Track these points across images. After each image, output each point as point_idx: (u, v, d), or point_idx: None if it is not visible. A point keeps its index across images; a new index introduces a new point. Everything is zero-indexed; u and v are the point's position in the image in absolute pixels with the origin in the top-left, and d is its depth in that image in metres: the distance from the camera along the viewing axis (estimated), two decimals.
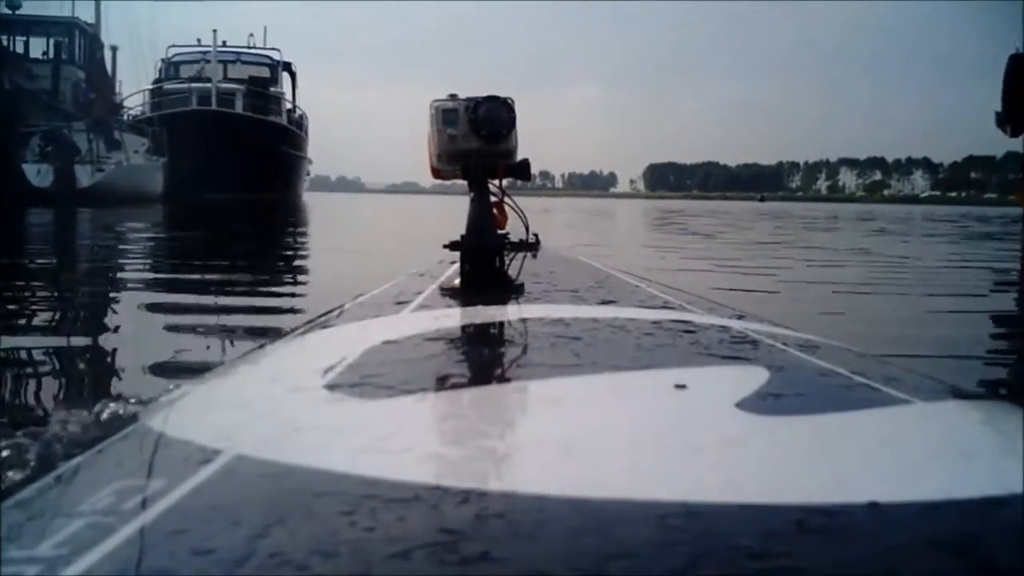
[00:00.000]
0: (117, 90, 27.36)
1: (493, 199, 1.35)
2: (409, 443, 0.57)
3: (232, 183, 25.16)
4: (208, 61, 29.77)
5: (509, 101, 1.30)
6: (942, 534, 0.43)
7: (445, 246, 1.33)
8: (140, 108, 27.90)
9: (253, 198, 24.19)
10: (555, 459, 0.53)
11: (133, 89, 28.88)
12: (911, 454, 0.57)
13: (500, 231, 1.34)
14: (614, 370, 0.78)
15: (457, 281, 1.31)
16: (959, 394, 0.77)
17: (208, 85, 28.45)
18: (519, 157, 1.34)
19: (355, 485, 0.48)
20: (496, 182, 1.36)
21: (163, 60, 32.31)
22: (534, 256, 1.38)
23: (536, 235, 1.37)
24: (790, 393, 0.71)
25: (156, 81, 30.12)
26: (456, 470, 0.52)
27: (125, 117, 25.67)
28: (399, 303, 1.24)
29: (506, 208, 1.37)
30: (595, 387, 0.73)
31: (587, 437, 0.58)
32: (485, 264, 1.31)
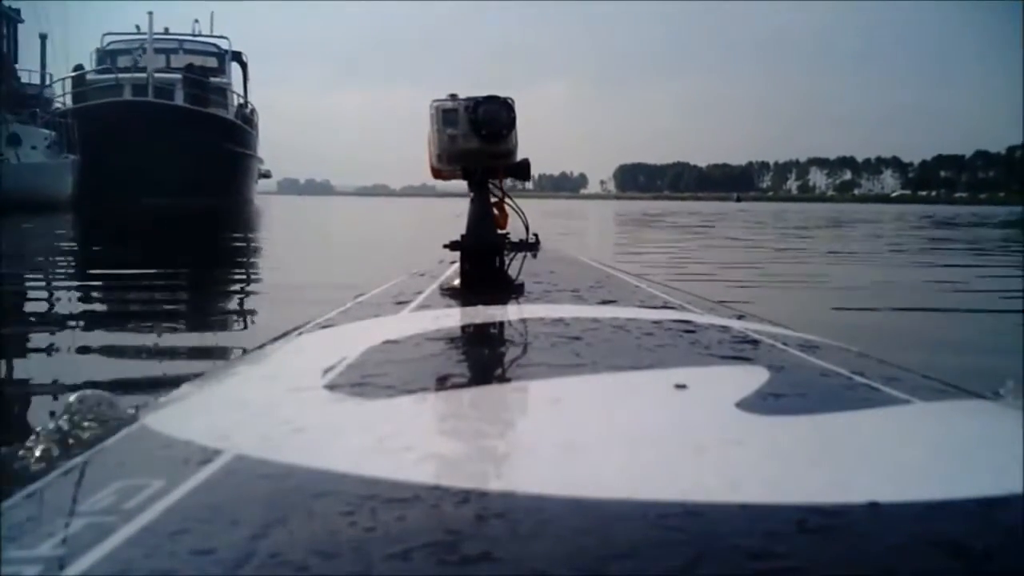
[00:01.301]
0: (47, 82, 24.31)
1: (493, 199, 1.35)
2: (409, 443, 0.57)
3: (165, 186, 21.92)
4: (145, 50, 26.37)
5: (509, 101, 1.30)
6: (942, 534, 0.43)
7: (445, 246, 1.33)
8: (60, 100, 24.68)
9: (191, 202, 20.84)
10: (555, 459, 0.53)
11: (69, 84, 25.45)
12: (911, 454, 0.57)
13: (500, 231, 1.34)
14: (614, 370, 0.78)
15: (457, 281, 1.31)
16: (959, 394, 0.77)
17: (143, 75, 25.01)
18: (519, 157, 1.34)
19: (355, 485, 0.48)
20: (496, 182, 1.36)
21: (97, 50, 28.73)
22: (534, 256, 1.38)
23: (536, 235, 1.37)
24: (790, 393, 0.71)
25: (76, 68, 26.55)
26: (456, 470, 0.52)
27: (53, 111, 22.57)
28: (399, 303, 1.24)
29: (506, 208, 1.37)
30: (595, 387, 0.73)
31: (587, 437, 0.58)
32: (485, 264, 1.31)
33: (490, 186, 1.34)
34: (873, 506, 0.44)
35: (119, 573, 0.41)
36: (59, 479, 0.58)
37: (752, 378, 0.73)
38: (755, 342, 0.93)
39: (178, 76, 26.46)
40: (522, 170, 1.35)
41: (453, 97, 1.32)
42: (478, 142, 1.29)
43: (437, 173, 1.36)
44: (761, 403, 0.65)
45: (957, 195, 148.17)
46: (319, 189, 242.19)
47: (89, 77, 26.37)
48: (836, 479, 0.50)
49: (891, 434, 0.62)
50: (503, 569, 0.39)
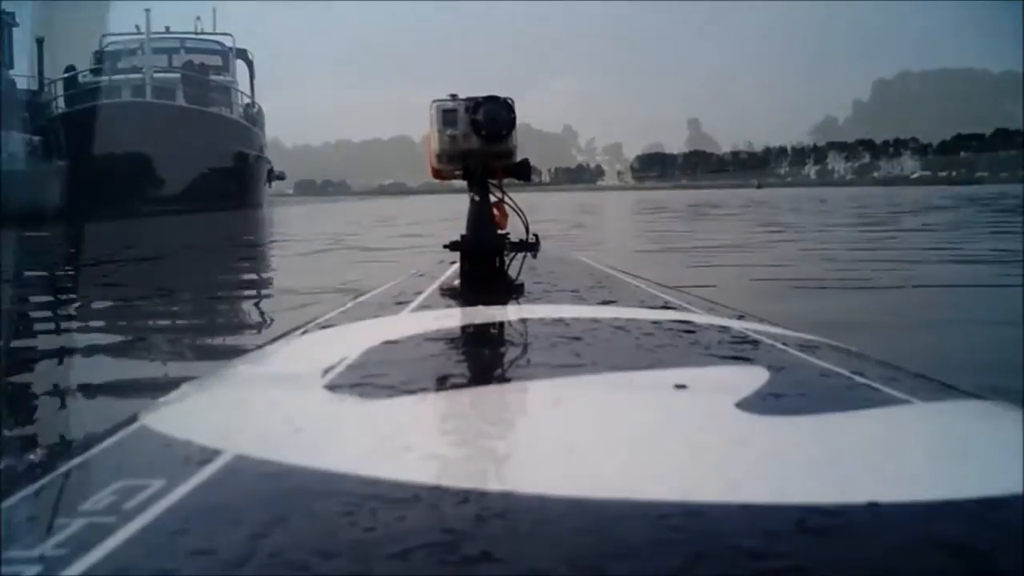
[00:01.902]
0: (44, 87, 23.02)
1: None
2: (409, 443, 0.57)
3: (164, 193, 20.69)
4: (144, 50, 24.73)
5: (509, 101, 1.31)
6: (942, 534, 0.43)
7: (445, 246, 1.34)
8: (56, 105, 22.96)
9: (195, 211, 19.33)
10: (555, 459, 0.53)
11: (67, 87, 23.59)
12: (911, 454, 0.57)
13: (500, 231, 1.34)
14: (614, 370, 0.78)
15: (457, 281, 1.31)
16: (959, 394, 0.77)
17: (140, 76, 23.41)
18: (519, 157, 1.34)
19: (355, 485, 0.48)
20: (496, 182, 1.36)
21: (96, 51, 26.91)
22: (534, 256, 1.38)
23: (536, 235, 1.37)
24: (790, 393, 0.71)
25: (68, 70, 24.44)
26: (456, 470, 0.52)
27: (46, 115, 21.41)
28: (399, 303, 1.24)
29: (506, 208, 1.37)
30: (595, 387, 0.73)
31: (587, 437, 0.58)
32: (485, 264, 1.31)
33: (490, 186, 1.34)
34: (873, 506, 0.44)
35: (119, 573, 0.41)
36: (59, 479, 0.58)
37: (752, 378, 0.73)
38: (755, 342, 0.93)
39: (178, 75, 25.20)
40: (522, 170, 1.35)
41: (453, 97, 1.32)
42: (478, 142, 1.29)
43: (437, 173, 1.36)
44: (761, 403, 0.65)
45: (978, 174, 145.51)
46: (337, 190, 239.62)
47: (83, 79, 24.77)
48: (836, 479, 0.50)
49: (891, 434, 0.62)
50: (503, 569, 0.39)
